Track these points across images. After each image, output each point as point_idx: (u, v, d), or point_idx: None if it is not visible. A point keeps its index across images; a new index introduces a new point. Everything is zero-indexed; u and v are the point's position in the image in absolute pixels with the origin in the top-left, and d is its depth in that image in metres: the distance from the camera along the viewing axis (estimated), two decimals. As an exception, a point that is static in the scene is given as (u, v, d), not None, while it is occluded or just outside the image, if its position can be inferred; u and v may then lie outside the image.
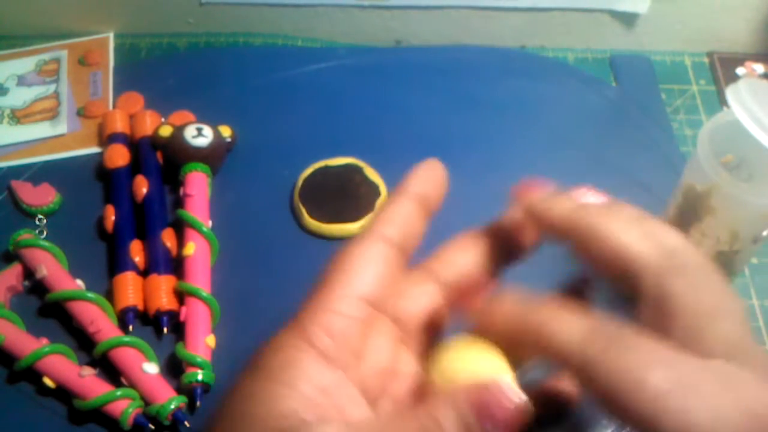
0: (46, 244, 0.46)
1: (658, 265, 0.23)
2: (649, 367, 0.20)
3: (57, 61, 0.60)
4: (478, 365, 0.24)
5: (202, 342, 0.42)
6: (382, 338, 0.25)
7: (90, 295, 0.43)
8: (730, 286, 0.23)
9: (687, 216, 0.39)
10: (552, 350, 0.22)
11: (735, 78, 0.57)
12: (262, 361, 0.22)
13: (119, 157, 0.51)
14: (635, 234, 0.24)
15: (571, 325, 0.22)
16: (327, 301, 0.23)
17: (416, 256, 0.27)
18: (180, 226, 0.47)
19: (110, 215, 0.48)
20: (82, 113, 0.56)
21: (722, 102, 0.57)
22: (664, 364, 0.20)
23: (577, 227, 0.25)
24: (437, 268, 0.28)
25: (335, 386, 0.22)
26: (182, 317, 0.43)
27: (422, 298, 0.26)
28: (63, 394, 0.41)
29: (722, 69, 0.59)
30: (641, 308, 0.23)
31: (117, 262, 0.46)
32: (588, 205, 0.26)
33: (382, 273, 0.24)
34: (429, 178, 0.28)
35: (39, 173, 0.52)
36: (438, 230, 0.49)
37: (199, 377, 0.41)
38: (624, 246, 0.24)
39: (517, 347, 0.24)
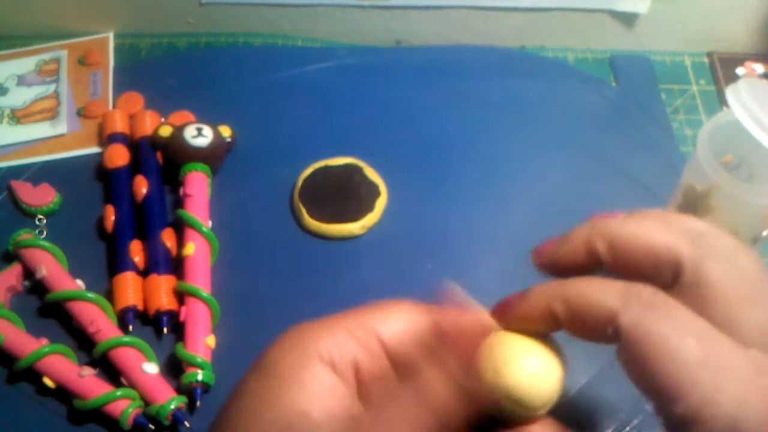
0: (46, 244, 0.46)
1: (692, 253, 0.22)
2: (685, 337, 0.20)
3: (57, 61, 0.60)
4: (527, 356, 0.24)
5: (202, 342, 0.42)
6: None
7: (90, 295, 0.43)
8: (764, 269, 0.22)
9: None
10: (592, 315, 0.22)
11: (735, 78, 0.57)
12: (271, 360, 0.23)
13: (119, 157, 0.51)
14: (662, 230, 0.24)
15: (609, 291, 0.22)
16: (347, 322, 0.24)
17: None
18: (180, 226, 0.47)
19: (110, 215, 0.48)
20: (82, 113, 0.56)
21: (722, 102, 0.57)
22: (700, 337, 0.20)
23: (603, 241, 0.25)
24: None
25: (340, 392, 0.23)
26: (182, 317, 0.43)
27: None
28: (63, 394, 0.41)
29: (722, 69, 0.59)
30: (680, 300, 0.22)
31: (117, 262, 0.46)
32: (604, 219, 0.26)
33: (404, 329, 0.24)
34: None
35: (39, 173, 0.52)
36: (439, 230, 0.50)
37: (199, 377, 0.41)
38: (655, 242, 0.23)
39: (552, 328, 0.24)
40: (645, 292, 0.21)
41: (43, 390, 0.41)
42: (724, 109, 0.52)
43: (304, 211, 0.48)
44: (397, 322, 0.24)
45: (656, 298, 0.21)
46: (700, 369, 0.19)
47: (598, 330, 0.22)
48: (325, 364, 0.23)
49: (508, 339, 0.24)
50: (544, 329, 0.24)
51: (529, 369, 0.23)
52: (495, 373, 0.23)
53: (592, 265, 0.25)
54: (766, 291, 0.22)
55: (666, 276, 0.23)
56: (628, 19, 0.59)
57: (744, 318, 0.21)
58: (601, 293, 0.22)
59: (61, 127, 0.55)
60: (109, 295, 0.45)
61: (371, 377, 0.24)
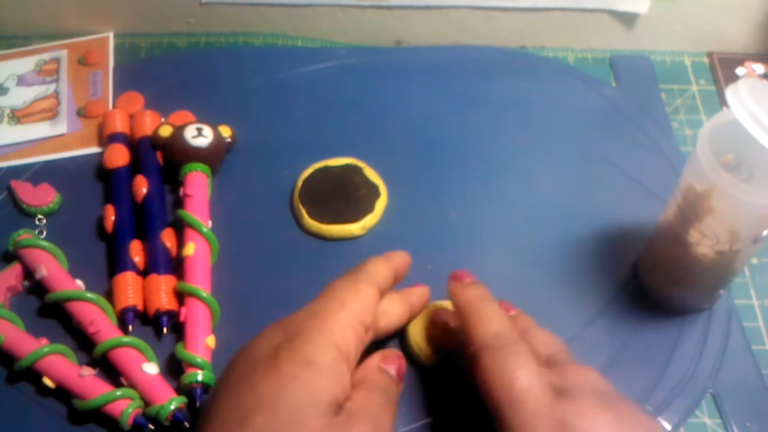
0: (46, 244, 0.46)
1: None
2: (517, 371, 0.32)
3: (57, 60, 0.60)
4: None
5: (202, 342, 0.42)
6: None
7: (90, 295, 0.43)
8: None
9: (687, 216, 0.39)
10: (470, 339, 0.35)
11: (735, 78, 0.57)
12: (303, 357, 0.30)
13: (119, 157, 0.51)
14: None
15: (491, 324, 0.35)
16: (348, 321, 0.33)
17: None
18: (180, 226, 0.47)
19: (110, 215, 0.48)
20: (82, 113, 0.56)
21: (722, 102, 0.57)
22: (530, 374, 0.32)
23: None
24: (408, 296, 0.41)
25: (348, 378, 0.32)
26: (182, 317, 0.43)
27: (396, 316, 0.40)
28: (63, 394, 0.41)
29: (722, 69, 0.59)
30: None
31: (117, 262, 0.46)
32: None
33: (374, 308, 0.35)
34: (404, 262, 0.40)
35: (39, 173, 0.52)
36: (440, 229, 0.50)
37: (199, 377, 0.41)
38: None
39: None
40: (510, 336, 0.34)
41: (43, 390, 0.41)
42: (724, 109, 0.52)
43: (304, 211, 0.48)
44: (370, 310, 0.35)
45: (514, 342, 0.34)
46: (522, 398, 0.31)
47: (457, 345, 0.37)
48: (341, 357, 0.31)
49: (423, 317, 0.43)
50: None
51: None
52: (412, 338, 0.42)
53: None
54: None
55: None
56: (628, 19, 0.59)
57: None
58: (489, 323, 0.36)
59: (61, 127, 0.55)
60: (109, 295, 0.45)
61: (356, 358, 0.33)
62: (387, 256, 0.38)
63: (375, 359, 0.35)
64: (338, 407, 0.30)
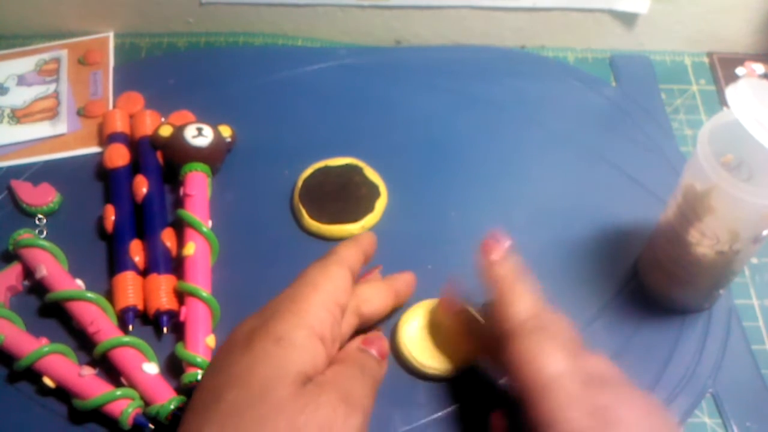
0: (46, 243, 0.46)
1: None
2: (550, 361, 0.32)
3: (57, 60, 0.60)
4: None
5: (202, 342, 0.42)
6: (346, 328, 0.38)
7: (90, 295, 0.43)
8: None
9: (687, 216, 0.39)
10: (502, 317, 0.36)
11: (735, 78, 0.57)
12: (274, 334, 0.31)
13: (119, 156, 0.51)
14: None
15: (524, 304, 0.36)
16: (321, 302, 0.34)
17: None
18: (180, 226, 0.47)
19: (110, 215, 0.48)
20: (82, 113, 0.56)
21: (722, 102, 0.57)
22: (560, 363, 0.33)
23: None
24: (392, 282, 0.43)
25: (322, 355, 0.33)
26: (182, 317, 0.43)
27: (379, 302, 0.41)
28: (63, 394, 0.41)
29: (722, 69, 0.59)
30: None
31: (117, 262, 0.46)
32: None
33: (347, 288, 0.36)
34: (371, 242, 0.41)
35: (39, 173, 0.52)
36: (440, 229, 0.50)
37: (199, 377, 0.41)
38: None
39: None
40: (543, 317, 0.36)
41: (43, 390, 0.41)
42: (724, 109, 0.52)
43: (304, 211, 0.48)
44: (343, 289, 0.36)
45: (545, 326, 0.35)
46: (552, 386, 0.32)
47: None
48: (316, 336, 0.32)
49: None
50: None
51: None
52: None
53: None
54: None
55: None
56: (628, 19, 0.59)
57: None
58: (520, 304, 0.36)
59: (61, 127, 0.55)
60: (109, 295, 0.45)
61: (333, 338, 0.34)
62: (354, 239, 0.40)
63: (356, 341, 0.36)
64: (308, 380, 0.31)
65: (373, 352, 0.35)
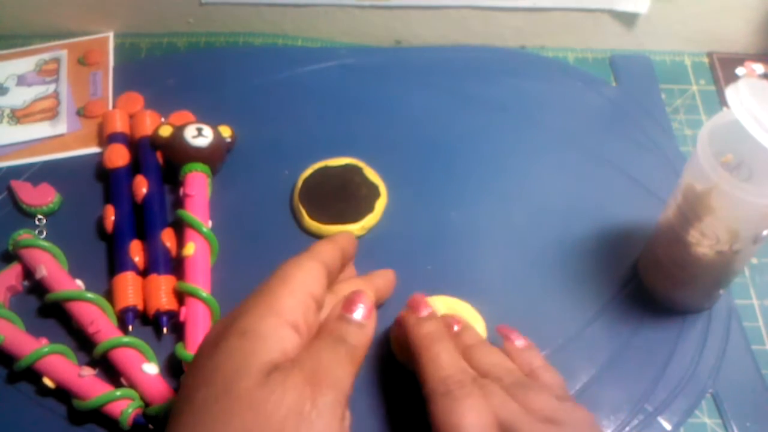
0: (46, 244, 0.46)
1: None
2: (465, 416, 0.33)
3: (57, 60, 0.60)
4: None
5: (201, 342, 0.42)
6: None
7: (89, 295, 0.43)
8: None
9: (687, 216, 0.39)
10: (421, 378, 0.36)
11: (735, 78, 0.57)
12: (240, 328, 0.31)
13: (119, 157, 0.51)
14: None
15: (439, 364, 0.36)
16: (290, 291, 0.33)
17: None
18: (180, 226, 0.47)
19: (110, 215, 0.48)
20: (82, 113, 0.56)
21: (722, 102, 0.57)
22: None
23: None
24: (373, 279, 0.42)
25: (293, 341, 0.31)
26: (182, 317, 0.43)
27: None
28: (63, 394, 0.41)
29: (722, 69, 0.59)
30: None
31: (117, 262, 0.46)
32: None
33: (321, 280, 0.34)
34: (350, 241, 0.40)
35: (39, 173, 0.52)
36: (440, 229, 0.50)
37: (199, 377, 0.41)
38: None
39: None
40: (463, 376, 0.35)
41: (43, 390, 0.41)
42: (724, 109, 0.52)
43: (304, 211, 0.48)
44: (317, 283, 0.34)
45: (465, 385, 0.34)
46: None
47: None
48: (283, 320, 0.31)
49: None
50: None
51: None
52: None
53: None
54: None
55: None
56: (628, 19, 0.59)
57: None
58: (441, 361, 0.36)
59: (61, 127, 0.55)
60: (109, 295, 0.45)
61: (308, 326, 0.33)
62: (331, 237, 0.39)
63: (336, 308, 0.34)
64: (275, 368, 0.30)
65: (354, 315, 0.34)
